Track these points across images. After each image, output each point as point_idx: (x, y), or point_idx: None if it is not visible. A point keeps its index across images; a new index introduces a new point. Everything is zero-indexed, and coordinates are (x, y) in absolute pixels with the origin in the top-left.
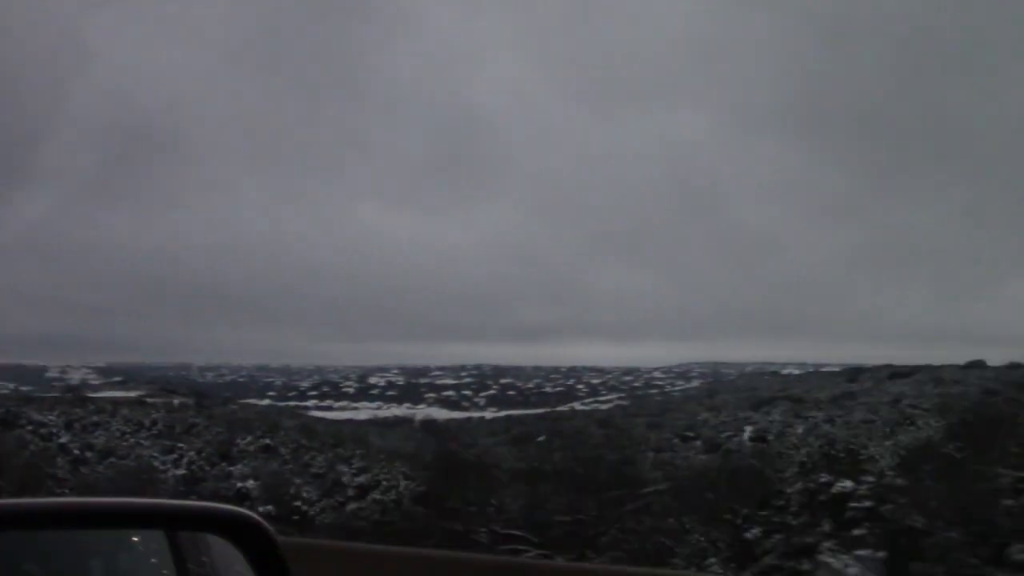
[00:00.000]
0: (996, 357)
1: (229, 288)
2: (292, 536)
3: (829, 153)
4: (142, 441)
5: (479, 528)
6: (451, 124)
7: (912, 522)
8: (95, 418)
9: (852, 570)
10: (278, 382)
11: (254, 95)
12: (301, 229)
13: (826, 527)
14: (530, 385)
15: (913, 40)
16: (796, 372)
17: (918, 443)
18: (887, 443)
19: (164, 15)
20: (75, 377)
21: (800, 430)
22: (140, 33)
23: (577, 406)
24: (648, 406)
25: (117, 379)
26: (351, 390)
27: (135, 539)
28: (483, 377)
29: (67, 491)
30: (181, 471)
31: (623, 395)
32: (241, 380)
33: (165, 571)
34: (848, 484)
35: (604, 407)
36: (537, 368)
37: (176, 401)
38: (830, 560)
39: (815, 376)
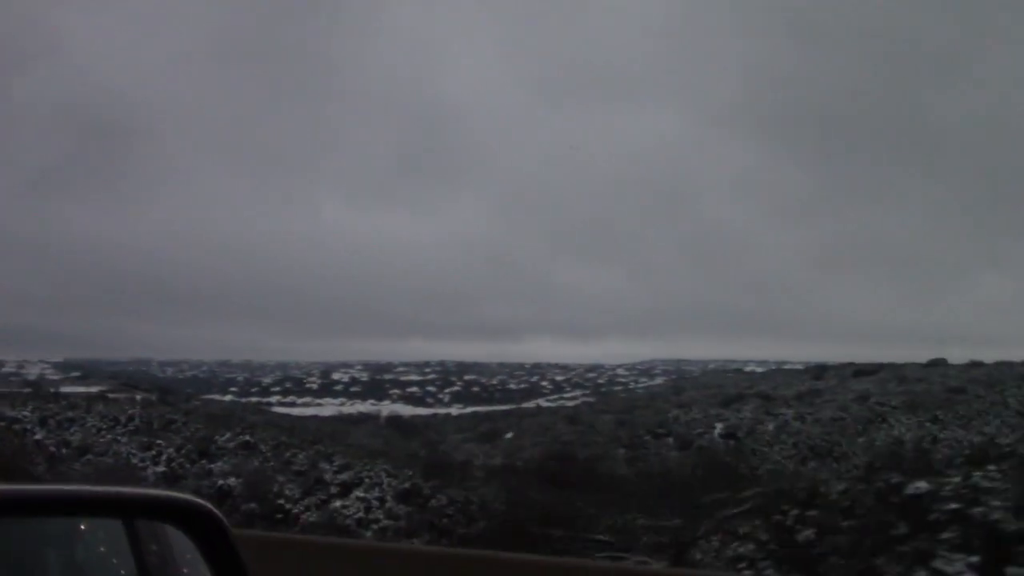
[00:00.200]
0: (956, 356)
1: (189, 283)
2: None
3: (797, 153)
4: (119, 438)
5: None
6: (419, 120)
7: (1007, 524)
8: (70, 414)
9: None
10: (240, 378)
11: (220, 90)
12: (264, 224)
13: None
14: (494, 382)
15: (882, 42)
16: (759, 370)
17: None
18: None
19: (133, 7)
20: (32, 372)
21: (771, 427)
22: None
23: (543, 403)
24: (614, 403)
25: (75, 374)
26: (314, 386)
27: (84, 528)
28: (447, 374)
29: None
30: (160, 468)
31: (587, 392)
32: (202, 376)
33: (122, 561)
34: (923, 484)
35: (570, 404)
36: (502, 365)
37: (139, 396)
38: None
39: (780, 374)
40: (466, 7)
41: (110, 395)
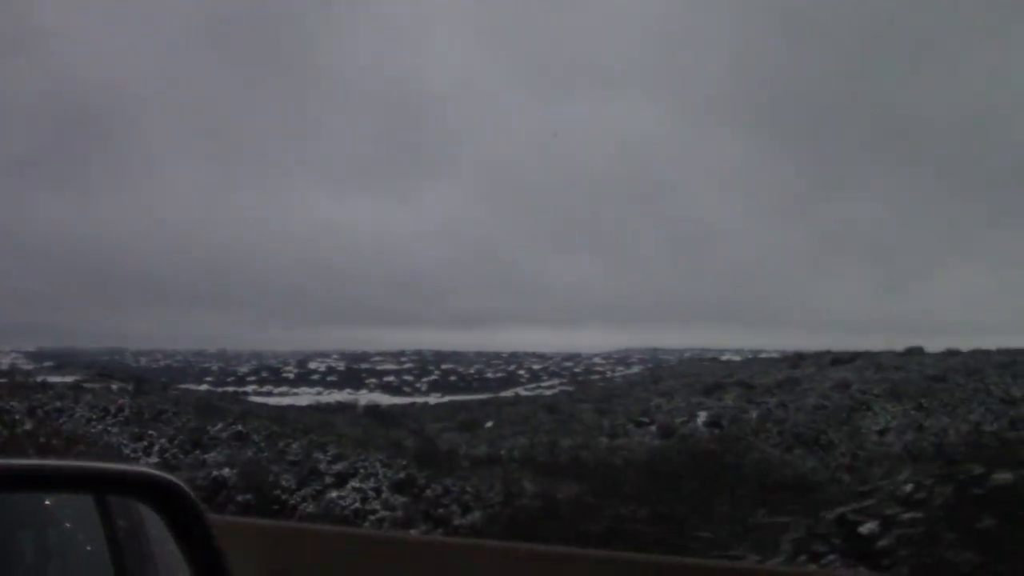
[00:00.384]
0: (933, 344)
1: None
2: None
3: (779, 144)
4: (110, 428)
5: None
6: (399, 108)
7: None
8: (58, 404)
9: None
10: (215, 367)
11: (194, 77)
12: (240, 213)
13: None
14: (471, 371)
15: (865, 35)
16: (736, 358)
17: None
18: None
19: None
20: (4, 362)
21: (754, 415)
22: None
23: (521, 391)
24: (591, 391)
25: (49, 364)
26: (291, 375)
27: (55, 504)
28: (424, 363)
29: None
30: (153, 459)
31: (564, 380)
32: (177, 365)
33: (93, 537)
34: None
35: (548, 392)
36: (479, 354)
37: (115, 386)
38: None
39: (757, 362)
40: None
41: (86, 385)
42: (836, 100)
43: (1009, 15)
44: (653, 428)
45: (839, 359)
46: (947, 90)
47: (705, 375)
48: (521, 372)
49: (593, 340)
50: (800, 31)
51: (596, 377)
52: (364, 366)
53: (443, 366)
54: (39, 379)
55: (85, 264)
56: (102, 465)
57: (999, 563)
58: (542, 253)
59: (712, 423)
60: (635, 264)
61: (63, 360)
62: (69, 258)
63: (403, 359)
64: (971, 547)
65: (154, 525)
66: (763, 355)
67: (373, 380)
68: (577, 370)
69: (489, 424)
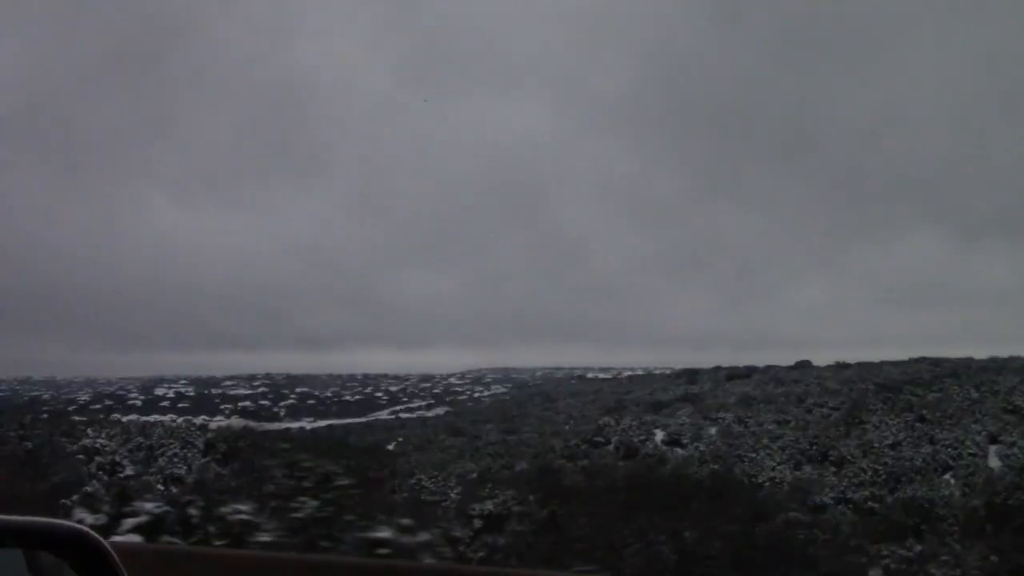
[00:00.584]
0: (778, 359)
1: None
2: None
3: (665, 154)
4: None
5: None
6: (260, 109)
7: None
8: None
9: None
10: (45, 396)
11: (24, 70)
12: (72, 226)
13: None
14: (328, 393)
15: (773, 46)
16: (603, 376)
17: None
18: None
19: None
20: None
21: (713, 431)
22: None
23: (401, 414)
24: (469, 413)
25: None
26: (138, 403)
27: None
28: (278, 387)
29: None
30: None
31: (427, 402)
32: (2, 394)
33: None
34: None
35: (429, 414)
36: (332, 376)
37: None
38: None
39: (649, 378)
40: None
41: None
42: (737, 109)
43: (909, 27)
44: (610, 448)
45: (734, 374)
46: (845, 102)
47: (604, 394)
48: (379, 394)
49: (443, 359)
50: (717, 33)
51: (464, 398)
52: (216, 391)
53: (297, 389)
54: None
55: None
56: (9, 518)
57: None
58: (398, 270)
59: (671, 441)
60: (494, 281)
61: None
62: None
63: (255, 383)
64: None
65: None
66: (627, 372)
67: (228, 406)
68: (436, 391)
69: (390, 446)
